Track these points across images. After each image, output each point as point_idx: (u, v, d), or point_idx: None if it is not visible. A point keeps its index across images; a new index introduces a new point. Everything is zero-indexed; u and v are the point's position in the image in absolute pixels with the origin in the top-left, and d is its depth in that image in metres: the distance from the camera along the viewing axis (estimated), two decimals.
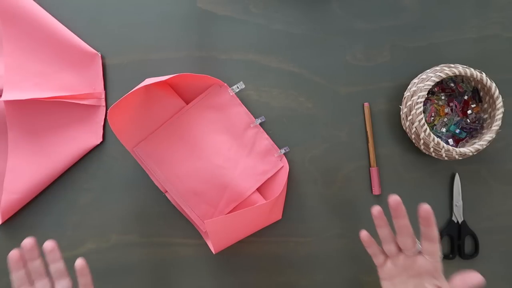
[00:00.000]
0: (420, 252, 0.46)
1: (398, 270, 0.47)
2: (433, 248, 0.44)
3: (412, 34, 0.65)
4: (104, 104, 0.64)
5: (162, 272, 0.64)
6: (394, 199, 0.44)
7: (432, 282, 0.45)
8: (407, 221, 0.45)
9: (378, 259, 0.49)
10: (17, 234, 0.64)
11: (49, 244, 0.45)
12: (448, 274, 0.64)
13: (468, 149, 0.57)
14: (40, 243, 0.64)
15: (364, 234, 0.49)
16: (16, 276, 0.45)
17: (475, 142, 0.59)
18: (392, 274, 0.47)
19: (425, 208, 0.43)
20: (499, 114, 0.57)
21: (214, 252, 0.58)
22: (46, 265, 0.46)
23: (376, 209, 0.47)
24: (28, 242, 0.44)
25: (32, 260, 0.45)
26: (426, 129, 0.56)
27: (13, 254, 0.44)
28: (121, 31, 0.65)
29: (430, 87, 0.56)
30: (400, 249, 0.47)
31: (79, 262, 0.46)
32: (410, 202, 0.64)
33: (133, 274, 0.64)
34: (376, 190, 0.63)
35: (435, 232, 0.44)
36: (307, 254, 0.64)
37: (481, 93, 0.62)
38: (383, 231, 0.47)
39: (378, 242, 0.50)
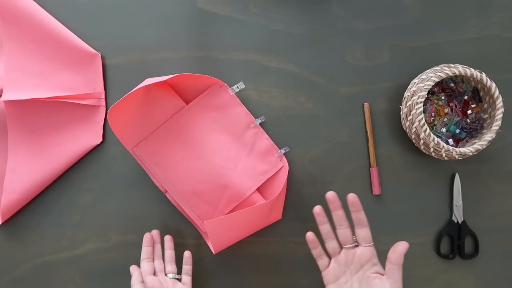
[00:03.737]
0: (356, 246, 0.51)
1: (341, 268, 0.51)
2: (366, 232, 0.50)
3: (412, 34, 0.65)
4: (104, 104, 0.64)
5: None
6: (331, 193, 0.51)
7: (372, 269, 0.50)
8: (343, 213, 0.51)
9: (323, 261, 0.53)
10: (17, 234, 0.64)
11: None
12: (448, 273, 0.64)
13: (468, 149, 0.57)
14: (39, 243, 0.64)
15: (309, 234, 0.53)
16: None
17: (475, 142, 0.59)
18: (336, 274, 0.52)
19: (352, 195, 0.50)
20: (499, 114, 0.57)
21: (214, 252, 0.58)
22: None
23: (317, 207, 0.52)
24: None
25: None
26: (426, 129, 0.56)
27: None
28: (121, 31, 0.65)
29: (430, 87, 0.56)
30: (340, 246, 0.52)
31: (187, 252, 0.59)
32: (410, 202, 0.64)
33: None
34: (376, 190, 0.63)
35: (364, 217, 0.50)
36: (307, 254, 0.64)
37: (481, 93, 0.62)
38: (325, 227, 0.53)
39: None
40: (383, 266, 0.50)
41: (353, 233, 0.51)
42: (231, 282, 0.64)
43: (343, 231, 0.51)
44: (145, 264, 0.58)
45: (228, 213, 0.63)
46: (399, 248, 0.48)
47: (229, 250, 0.63)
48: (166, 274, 0.58)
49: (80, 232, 0.64)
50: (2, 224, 0.64)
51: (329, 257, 0.53)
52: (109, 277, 0.64)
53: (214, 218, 0.60)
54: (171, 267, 0.59)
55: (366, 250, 0.50)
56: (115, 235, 0.64)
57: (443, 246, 0.65)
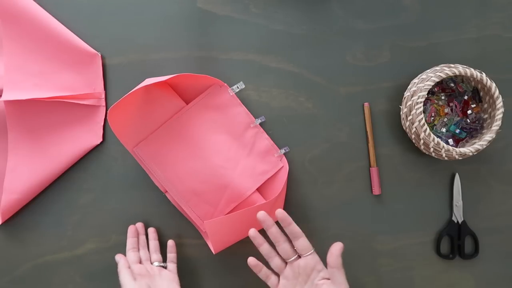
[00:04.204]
0: (298, 257, 0.51)
1: (291, 282, 0.51)
2: (303, 242, 0.50)
3: (412, 34, 0.65)
4: (104, 104, 0.64)
5: None
6: (260, 213, 0.51)
7: (319, 276, 0.50)
8: (278, 229, 0.51)
9: (272, 281, 0.53)
10: (17, 234, 0.64)
11: None
12: (448, 273, 0.65)
13: (468, 149, 0.57)
14: (39, 243, 0.64)
15: (251, 259, 0.53)
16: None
17: (475, 142, 0.59)
18: None
19: (278, 211, 0.50)
20: (499, 114, 0.57)
21: (214, 252, 0.58)
22: None
23: (251, 231, 0.52)
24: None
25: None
26: (426, 129, 0.56)
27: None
28: (121, 31, 0.65)
29: (430, 87, 0.56)
30: (284, 262, 0.52)
31: (171, 241, 0.61)
32: (410, 202, 0.64)
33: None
34: (376, 190, 0.63)
35: (297, 228, 0.50)
36: None
37: (481, 93, 0.62)
38: (265, 247, 0.53)
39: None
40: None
41: (292, 246, 0.52)
42: (231, 282, 0.64)
43: (282, 246, 0.51)
44: (131, 253, 0.59)
45: (228, 213, 0.63)
46: (334, 250, 0.48)
47: (229, 250, 0.63)
48: (152, 263, 0.59)
49: (80, 232, 0.64)
50: (2, 224, 0.64)
51: (277, 275, 0.53)
52: (109, 277, 0.64)
53: (214, 218, 0.60)
54: (156, 256, 0.60)
55: (308, 259, 0.50)
56: (115, 235, 0.64)
57: (443, 246, 0.65)
